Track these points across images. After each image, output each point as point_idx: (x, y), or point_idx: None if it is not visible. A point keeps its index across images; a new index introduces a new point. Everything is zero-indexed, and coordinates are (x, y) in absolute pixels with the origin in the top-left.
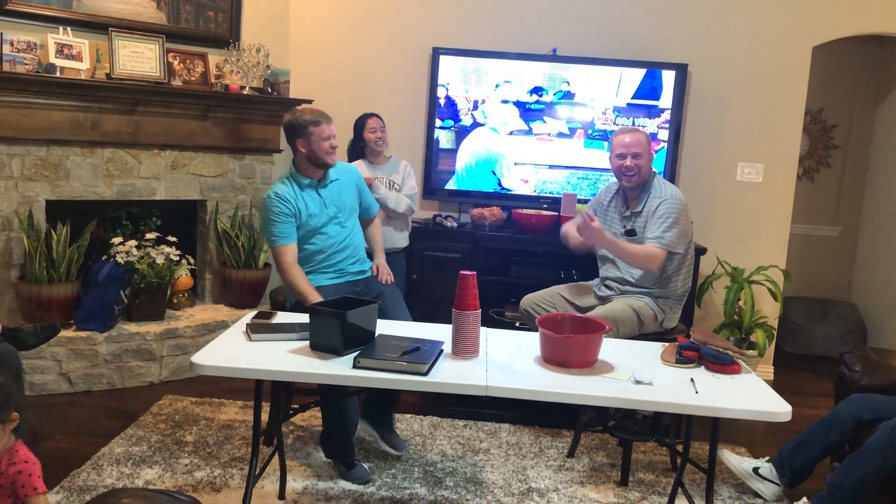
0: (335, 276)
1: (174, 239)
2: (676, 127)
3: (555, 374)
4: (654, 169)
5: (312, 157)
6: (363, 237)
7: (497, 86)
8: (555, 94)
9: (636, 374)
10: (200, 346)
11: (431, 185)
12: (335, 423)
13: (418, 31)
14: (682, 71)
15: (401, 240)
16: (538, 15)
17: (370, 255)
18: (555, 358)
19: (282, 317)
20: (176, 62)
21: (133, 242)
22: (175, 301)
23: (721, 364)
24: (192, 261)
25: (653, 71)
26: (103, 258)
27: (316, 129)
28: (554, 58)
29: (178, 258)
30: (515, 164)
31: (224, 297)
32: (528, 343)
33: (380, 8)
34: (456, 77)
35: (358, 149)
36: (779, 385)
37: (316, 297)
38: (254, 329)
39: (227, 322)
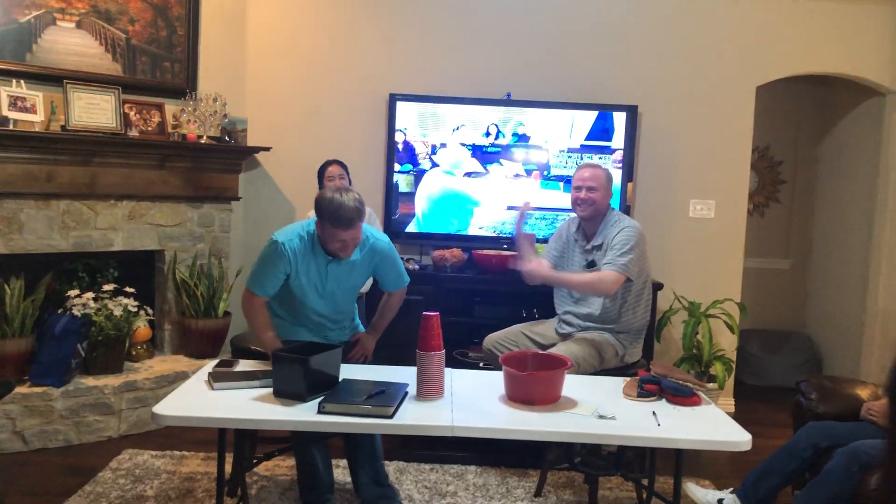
0: (315, 337)
1: (132, 290)
2: (629, 166)
3: (520, 411)
4: (611, 206)
5: (323, 243)
6: (355, 308)
7: (454, 129)
8: (511, 137)
9: (599, 409)
10: (160, 398)
11: (392, 229)
12: (305, 470)
13: (375, 77)
14: (632, 112)
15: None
16: (492, 61)
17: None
18: (519, 396)
19: (244, 364)
20: (132, 113)
21: (90, 294)
22: (133, 353)
23: (682, 396)
24: (150, 311)
25: (604, 113)
26: (59, 311)
27: (333, 230)
28: (508, 102)
29: (136, 309)
30: (474, 205)
31: (184, 348)
32: (493, 382)
33: (336, 56)
34: (413, 122)
35: None
36: (740, 416)
37: (275, 344)
38: (216, 377)
39: (188, 373)
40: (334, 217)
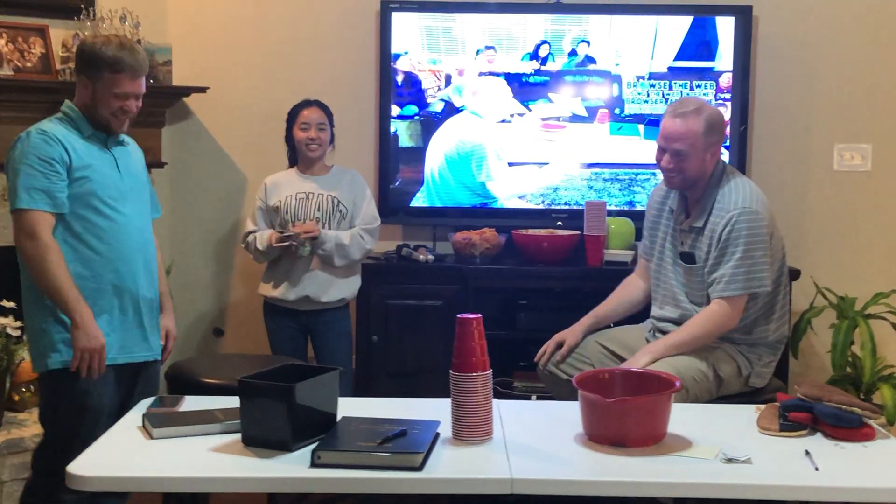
0: (113, 327)
1: (10, 304)
2: (742, 98)
3: (608, 456)
4: (726, 164)
5: (92, 111)
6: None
7: (479, 52)
8: (566, 60)
9: (726, 450)
10: None
11: (390, 204)
12: None
13: None
14: (745, 16)
15: (344, 289)
16: None
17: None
18: (606, 433)
19: (191, 402)
20: (2, 41)
21: None
22: (16, 398)
23: (846, 428)
24: None
25: (702, 18)
26: None
27: (114, 77)
28: (559, 7)
29: (18, 333)
30: (511, 164)
31: None
32: (561, 415)
33: None
34: (416, 42)
35: (290, 153)
36: None
37: (78, 304)
38: (155, 422)
39: None
40: (116, 59)
